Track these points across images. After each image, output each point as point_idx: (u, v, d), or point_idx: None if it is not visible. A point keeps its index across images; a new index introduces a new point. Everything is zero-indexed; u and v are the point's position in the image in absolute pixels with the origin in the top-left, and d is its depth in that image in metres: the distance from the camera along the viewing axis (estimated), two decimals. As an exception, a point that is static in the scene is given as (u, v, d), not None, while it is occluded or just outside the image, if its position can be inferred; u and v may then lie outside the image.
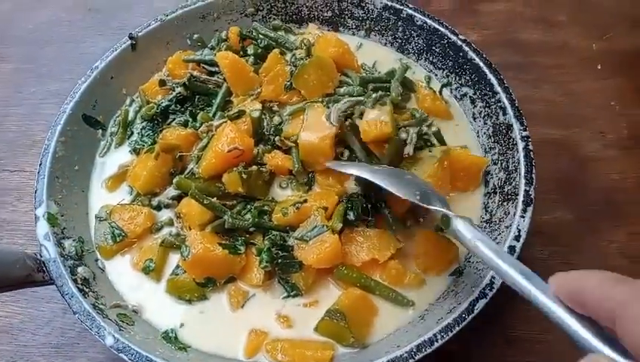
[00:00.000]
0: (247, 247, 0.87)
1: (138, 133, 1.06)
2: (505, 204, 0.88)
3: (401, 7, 1.12)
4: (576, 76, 1.24)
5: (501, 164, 0.93)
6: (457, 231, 0.72)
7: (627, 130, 1.15)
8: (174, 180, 0.93)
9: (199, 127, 0.99)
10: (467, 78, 1.04)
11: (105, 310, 0.82)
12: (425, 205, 0.77)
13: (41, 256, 0.85)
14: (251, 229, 0.88)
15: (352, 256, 0.85)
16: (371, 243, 0.85)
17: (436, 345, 0.73)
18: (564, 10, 1.38)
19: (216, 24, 1.19)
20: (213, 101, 1.04)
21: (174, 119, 1.05)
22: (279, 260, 0.84)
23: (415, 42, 1.13)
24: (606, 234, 1.00)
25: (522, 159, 0.87)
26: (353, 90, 0.98)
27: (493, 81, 0.97)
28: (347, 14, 1.19)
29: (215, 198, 0.89)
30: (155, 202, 0.97)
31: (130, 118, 1.09)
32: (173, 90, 1.07)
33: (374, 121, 0.89)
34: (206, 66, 1.10)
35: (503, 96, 0.95)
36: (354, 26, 1.20)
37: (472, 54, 1.01)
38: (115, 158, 1.05)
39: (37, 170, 0.94)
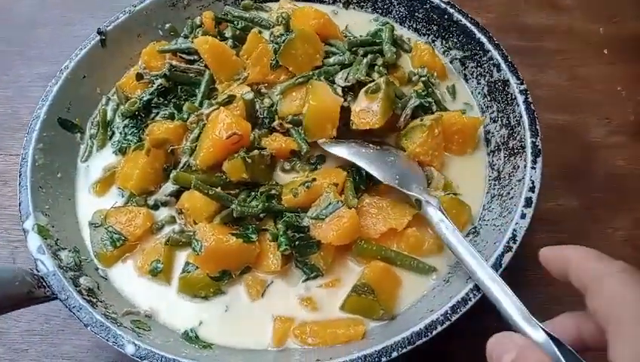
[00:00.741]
0: (260, 234, 0.83)
1: (121, 133, 1.00)
2: (512, 158, 0.88)
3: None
4: (583, 61, 1.20)
5: (501, 120, 0.93)
6: (425, 213, 0.80)
7: (634, 116, 1.12)
8: (172, 175, 0.88)
9: (187, 118, 0.94)
10: (454, 40, 1.03)
11: (117, 318, 0.77)
12: (403, 190, 0.83)
13: (38, 271, 0.78)
14: (261, 215, 0.85)
15: (369, 229, 0.83)
16: (386, 213, 0.84)
17: (470, 303, 0.72)
18: (570, -7, 1.31)
19: (187, 11, 1.13)
20: (197, 90, 1.00)
21: (158, 113, 0.99)
22: (297, 242, 0.81)
23: (396, 10, 1.11)
24: (611, 222, 0.98)
25: (524, 112, 0.87)
26: (344, 58, 0.95)
27: (483, 39, 0.97)
28: (323, -15, 1.15)
29: (218, 188, 0.85)
30: (151, 201, 0.91)
31: (109, 118, 1.03)
32: (153, 83, 1.01)
33: (364, 111, 0.88)
34: (183, 55, 1.05)
35: (495, 53, 0.95)
36: (331, 1, 1.17)
37: (457, 15, 1.00)
38: (99, 161, 0.99)
39: (17, 182, 0.87)
